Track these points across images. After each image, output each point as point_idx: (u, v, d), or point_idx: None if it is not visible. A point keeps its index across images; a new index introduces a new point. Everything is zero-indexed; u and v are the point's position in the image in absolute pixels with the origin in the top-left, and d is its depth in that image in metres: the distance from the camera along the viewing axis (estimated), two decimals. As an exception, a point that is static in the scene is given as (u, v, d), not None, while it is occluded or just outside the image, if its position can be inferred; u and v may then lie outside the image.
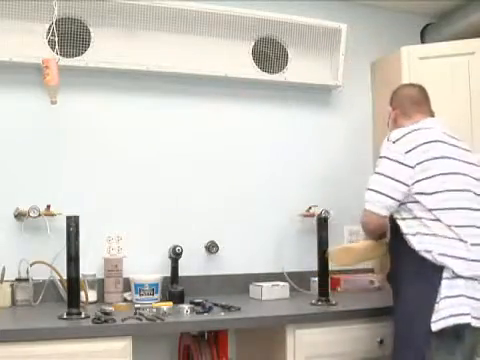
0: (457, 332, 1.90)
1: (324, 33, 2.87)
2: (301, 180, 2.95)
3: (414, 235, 1.99)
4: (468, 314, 1.88)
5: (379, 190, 2.03)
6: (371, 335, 2.26)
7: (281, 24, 2.79)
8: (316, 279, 2.52)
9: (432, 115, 2.28)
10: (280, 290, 2.60)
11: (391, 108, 2.36)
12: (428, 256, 1.94)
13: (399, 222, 2.05)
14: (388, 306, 2.15)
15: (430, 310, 1.89)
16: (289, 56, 2.87)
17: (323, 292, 2.44)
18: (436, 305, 1.89)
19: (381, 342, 2.23)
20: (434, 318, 1.89)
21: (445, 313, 1.88)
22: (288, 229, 2.90)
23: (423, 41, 3.25)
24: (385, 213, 2.05)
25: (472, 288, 1.92)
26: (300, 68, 2.89)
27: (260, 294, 2.56)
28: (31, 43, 2.41)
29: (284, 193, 2.91)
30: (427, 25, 3.26)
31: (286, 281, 2.70)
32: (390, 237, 2.18)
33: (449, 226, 1.95)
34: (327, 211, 2.82)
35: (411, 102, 2.30)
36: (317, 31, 2.85)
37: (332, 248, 2.44)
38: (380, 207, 2.04)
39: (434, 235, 1.96)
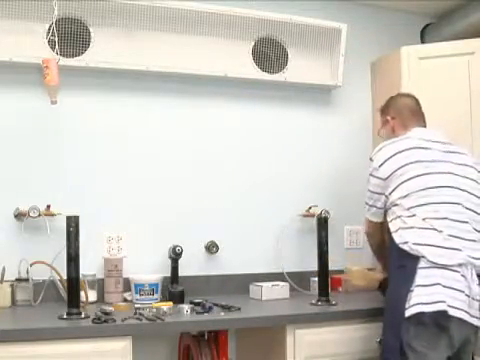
0: (437, 321, 1.94)
1: (324, 33, 2.87)
2: (301, 180, 2.95)
3: (396, 231, 2.13)
4: (443, 302, 1.92)
5: (366, 201, 2.35)
6: (371, 335, 2.26)
7: (281, 24, 2.79)
8: (316, 279, 2.52)
9: (425, 125, 2.38)
10: (280, 290, 2.60)
11: (389, 117, 2.45)
12: (405, 247, 2.05)
13: (388, 224, 2.20)
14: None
15: (405, 297, 1.99)
16: (289, 56, 2.88)
17: (323, 292, 2.44)
18: (410, 293, 1.98)
19: (381, 342, 2.22)
20: (407, 305, 1.98)
21: (416, 300, 1.96)
22: (288, 229, 2.90)
23: (423, 41, 3.25)
24: (373, 219, 2.36)
25: (451, 278, 1.96)
26: (300, 68, 2.89)
27: (260, 294, 2.56)
28: (31, 43, 2.41)
29: (284, 193, 2.91)
30: (427, 25, 3.26)
31: (286, 281, 2.70)
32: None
33: (424, 219, 2.07)
34: (327, 211, 2.83)
35: (409, 112, 2.42)
36: (317, 31, 2.86)
37: (352, 268, 2.76)
38: (369, 214, 2.37)
39: (411, 228, 2.08)
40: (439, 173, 2.14)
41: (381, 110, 2.55)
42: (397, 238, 2.10)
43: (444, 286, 1.95)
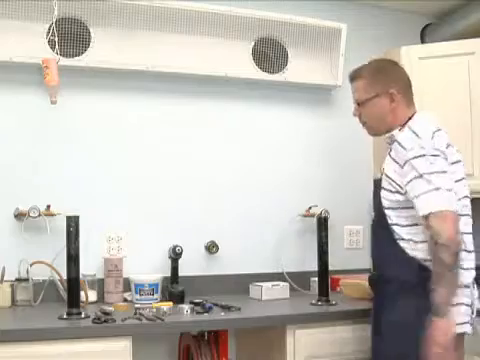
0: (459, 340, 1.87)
1: (324, 33, 2.87)
2: (301, 180, 2.95)
3: (416, 242, 1.85)
4: (467, 323, 1.87)
5: (432, 187, 1.73)
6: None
7: (281, 24, 2.79)
8: (316, 279, 2.52)
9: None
10: (280, 290, 2.60)
11: (394, 90, 1.95)
12: (429, 264, 1.80)
13: (395, 228, 1.88)
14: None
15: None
16: (289, 56, 2.88)
17: (323, 292, 2.44)
18: None
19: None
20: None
21: None
22: (288, 229, 2.89)
23: (423, 41, 3.25)
24: (451, 207, 1.75)
25: (468, 295, 1.88)
26: (300, 68, 2.89)
27: (260, 294, 2.56)
28: (31, 43, 2.41)
29: (284, 193, 2.91)
30: (427, 25, 3.26)
31: (286, 281, 2.70)
32: (381, 243, 2.00)
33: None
34: (327, 211, 2.82)
35: (410, 86, 2.00)
36: (317, 31, 2.86)
37: (346, 281, 2.60)
38: (447, 202, 1.74)
39: None
40: (463, 179, 1.91)
41: (367, 77, 2.03)
42: (419, 252, 1.82)
43: (467, 305, 1.87)
